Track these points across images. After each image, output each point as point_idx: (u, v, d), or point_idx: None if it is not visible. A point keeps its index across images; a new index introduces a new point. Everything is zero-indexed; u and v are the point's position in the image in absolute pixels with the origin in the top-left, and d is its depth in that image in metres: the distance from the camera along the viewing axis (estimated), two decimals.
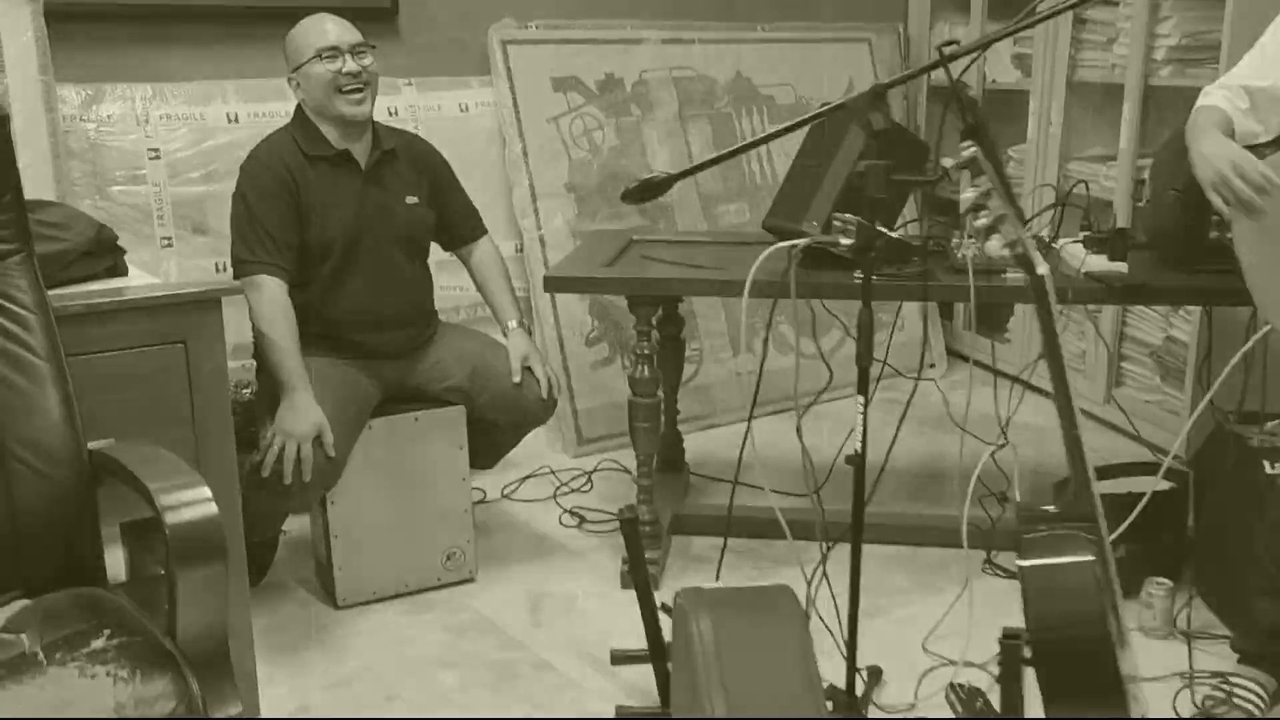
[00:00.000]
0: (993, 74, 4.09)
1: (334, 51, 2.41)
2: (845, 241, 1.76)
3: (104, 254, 1.89)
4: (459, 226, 2.74)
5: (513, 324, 2.68)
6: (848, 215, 1.77)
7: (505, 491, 3.17)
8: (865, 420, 1.79)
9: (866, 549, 1.97)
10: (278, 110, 3.17)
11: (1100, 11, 3.58)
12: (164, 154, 3.02)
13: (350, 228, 2.47)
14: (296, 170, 2.43)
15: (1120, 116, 3.62)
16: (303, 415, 2.30)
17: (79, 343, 1.74)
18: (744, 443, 2.02)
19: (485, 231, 2.79)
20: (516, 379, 2.56)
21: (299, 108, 2.52)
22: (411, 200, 2.59)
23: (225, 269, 3.13)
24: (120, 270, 1.94)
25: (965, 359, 4.24)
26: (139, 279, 1.96)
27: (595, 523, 2.99)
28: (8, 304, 1.59)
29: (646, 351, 2.53)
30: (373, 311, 2.51)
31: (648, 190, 1.95)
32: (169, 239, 3.04)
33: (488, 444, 2.70)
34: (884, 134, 2.47)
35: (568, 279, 2.51)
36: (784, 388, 3.70)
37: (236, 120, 3.11)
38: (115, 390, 1.81)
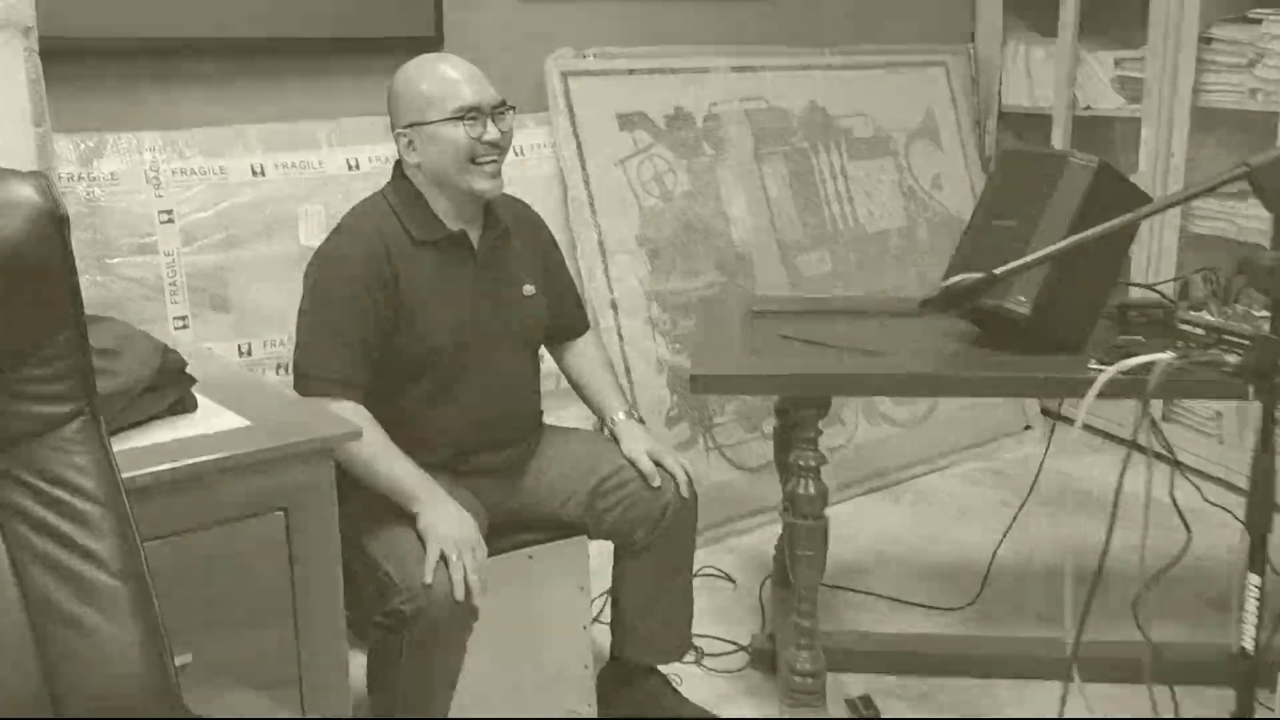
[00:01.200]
0: (1086, 99, 3.68)
1: (475, 113, 1.90)
2: (1231, 360, 1.29)
3: (169, 386, 1.36)
4: (568, 317, 2.23)
5: (621, 415, 2.18)
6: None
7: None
8: (1258, 609, 1.31)
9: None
10: (311, 160, 2.63)
11: (1233, 29, 3.18)
12: (177, 216, 2.47)
13: (461, 330, 1.95)
14: (399, 258, 1.90)
15: (1257, 144, 3.25)
16: (457, 517, 1.81)
17: (144, 524, 1.21)
18: None
19: (589, 325, 2.29)
20: (656, 482, 2.05)
21: (401, 172, 1.99)
22: (529, 290, 2.07)
23: (250, 352, 2.58)
24: (189, 405, 1.40)
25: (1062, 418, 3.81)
26: (215, 415, 1.42)
27: (714, 654, 2.47)
28: (66, 496, 1.05)
29: (813, 463, 2.04)
30: (484, 426, 1.99)
31: (957, 298, 1.46)
32: (184, 319, 2.49)
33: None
34: (1104, 185, 2.07)
35: (724, 378, 2.01)
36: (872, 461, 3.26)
37: (262, 173, 2.57)
38: (193, 582, 1.28)
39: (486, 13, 3.02)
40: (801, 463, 2.05)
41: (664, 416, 3.02)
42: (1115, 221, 1.48)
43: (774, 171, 3.36)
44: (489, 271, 2.01)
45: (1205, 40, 3.24)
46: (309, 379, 1.85)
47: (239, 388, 1.62)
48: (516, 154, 2.98)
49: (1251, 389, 1.24)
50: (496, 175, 1.95)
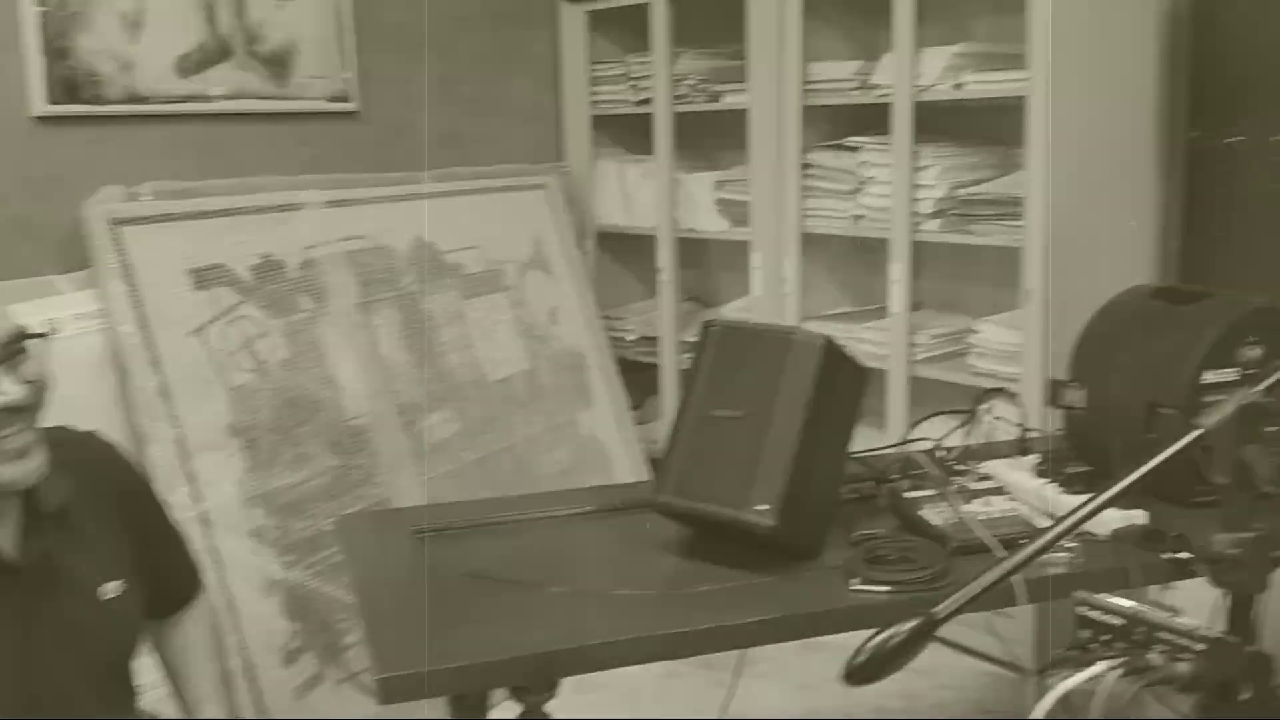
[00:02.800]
0: (688, 220, 3.57)
1: None
2: (1183, 669, 1.01)
3: None
4: (170, 586, 1.57)
5: None
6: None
7: None
8: None
9: None
10: None
11: (831, 156, 3.20)
12: None
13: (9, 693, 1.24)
14: None
15: (863, 270, 3.30)
16: None
17: None
18: None
19: (199, 587, 1.64)
20: None
21: None
22: (109, 590, 1.39)
23: None
24: None
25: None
26: None
27: None
28: None
29: None
30: None
31: (894, 660, 1.04)
32: None
33: None
34: (831, 363, 1.81)
35: (433, 677, 1.45)
36: None
37: None
38: None
39: None
40: None
41: (282, 654, 2.37)
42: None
43: (385, 322, 2.84)
44: (40, 589, 1.32)
45: (806, 166, 3.24)
46: None
47: None
48: (46, 334, 2.20)
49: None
50: (25, 454, 1.28)
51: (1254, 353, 1.81)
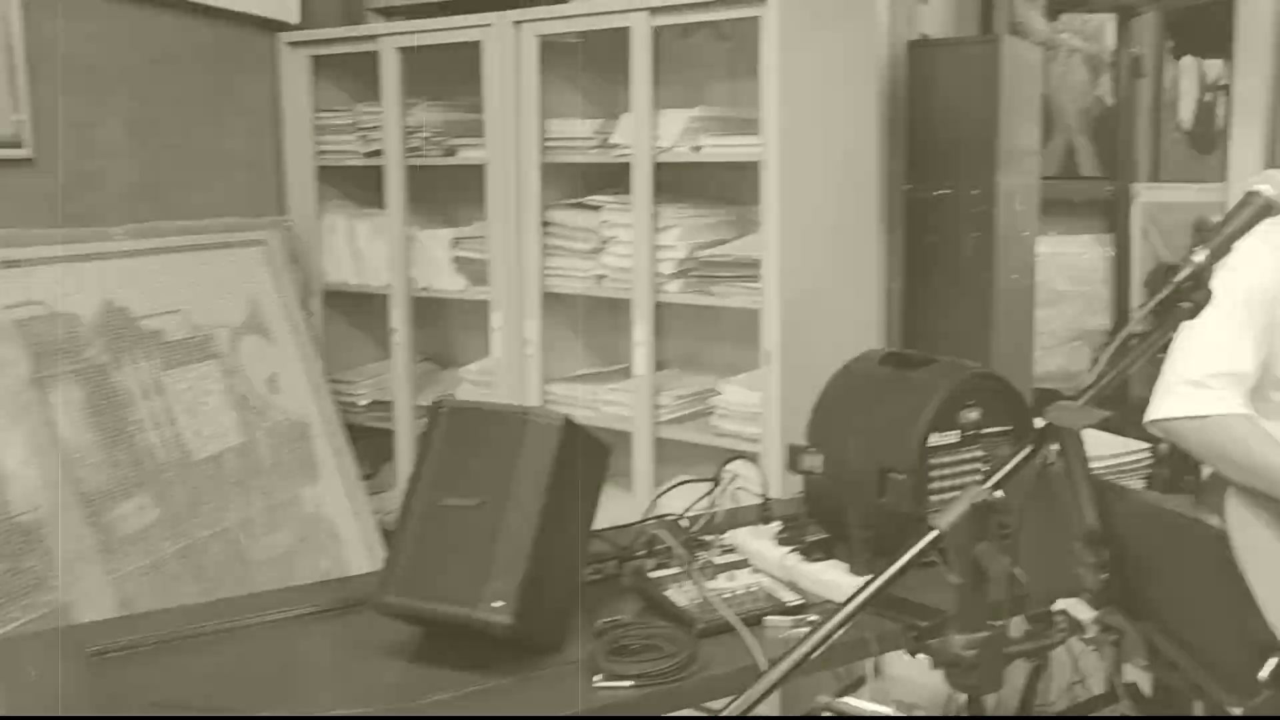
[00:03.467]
0: (424, 278, 3.37)
1: None
2: None
3: None
4: None
5: None
6: None
7: None
8: None
9: None
10: None
11: (572, 214, 3.10)
12: None
13: None
14: None
15: (607, 331, 3.21)
16: None
17: None
18: None
19: None
20: None
21: None
22: None
23: None
24: None
25: None
26: None
27: None
28: None
29: None
30: None
31: None
32: None
33: None
34: (571, 443, 1.66)
35: None
36: None
37: None
38: None
39: None
40: None
41: None
42: None
43: (65, 400, 2.46)
44: None
45: (546, 224, 3.12)
46: None
47: None
48: None
49: None
50: None
51: (973, 415, 1.86)
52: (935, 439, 1.83)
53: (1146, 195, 4.07)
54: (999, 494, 1.07)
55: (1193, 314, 1.20)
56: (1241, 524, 1.61)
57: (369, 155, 3.38)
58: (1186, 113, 5.05)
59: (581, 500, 1.69)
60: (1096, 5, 2.33)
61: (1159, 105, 5.00)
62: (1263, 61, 2.59)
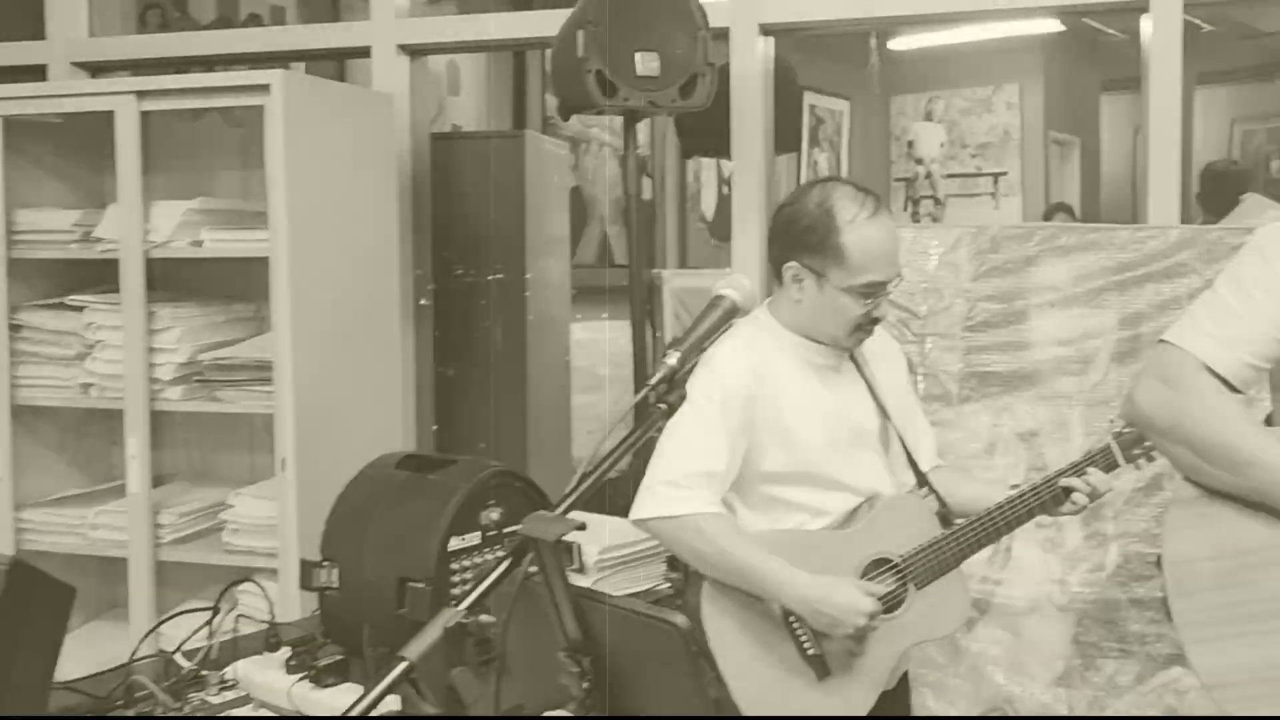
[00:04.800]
0: None
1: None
2: None
3: None
4: None
5: None
6: None
7: None
8: None
9: None
10: None
11: (49, 316, 2.74)
12: None
13: None
14: None
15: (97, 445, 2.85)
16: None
17: None
18: None
19: None
20: None
21: None
22: None
23: None
24: None
25: None
26: None
27: None
28: None
29: None
30: None
31: None
32: None
33: None
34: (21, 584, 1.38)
35: None
36: None
37: None
38: None
39: None
40: None
41: None
42: None
43: None
44: None
45: (16, 327, 2.73)
46: None
47: None
48: None
49: None
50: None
51: (495, 515, 1.84)
52: (456, 542, 1.79)
53: (675, 281, 4.41)
54: (484, 616, 1.01)
55: (668, 414, 1.23)
56: (713, 615, 1.67)
57: None
58: (708, 205, 5.56)
59: (34, 653, 1.43)
60: (605, 109, 2.49)
61: (684, 198, 5.46)
62: (756, 161, 2.89)
